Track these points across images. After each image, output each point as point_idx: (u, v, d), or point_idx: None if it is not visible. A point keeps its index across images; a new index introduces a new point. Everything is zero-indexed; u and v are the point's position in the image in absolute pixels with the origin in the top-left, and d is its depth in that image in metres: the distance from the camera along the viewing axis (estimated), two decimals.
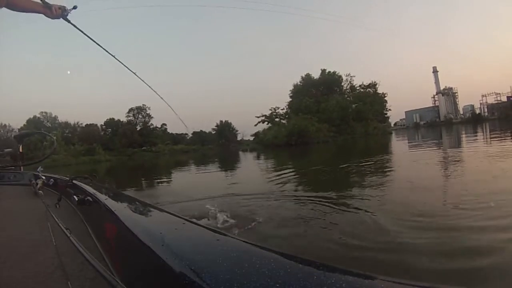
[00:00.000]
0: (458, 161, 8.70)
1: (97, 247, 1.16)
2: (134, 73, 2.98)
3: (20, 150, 2.44)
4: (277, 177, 8.66)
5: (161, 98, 3.41)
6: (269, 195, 5.83)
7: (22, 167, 3.38)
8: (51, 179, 2.85)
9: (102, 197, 1.37)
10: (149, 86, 3.09)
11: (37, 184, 2.61)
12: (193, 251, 0.63)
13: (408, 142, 21.87)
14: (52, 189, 2.70)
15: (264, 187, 7.00)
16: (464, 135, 22.26)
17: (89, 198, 1.58)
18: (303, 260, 0.53)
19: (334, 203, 4.64)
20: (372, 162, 10.10)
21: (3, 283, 1.00)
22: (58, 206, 1.94)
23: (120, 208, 1.16)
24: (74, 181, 2.12)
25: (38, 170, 3.27)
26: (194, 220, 0.85)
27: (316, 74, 57.65)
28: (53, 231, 1.32)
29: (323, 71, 57.14)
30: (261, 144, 44.43)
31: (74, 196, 1.71)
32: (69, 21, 2.06)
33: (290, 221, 4.00)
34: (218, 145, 64.78)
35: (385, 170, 8.42)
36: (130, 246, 0.80)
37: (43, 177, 2.84)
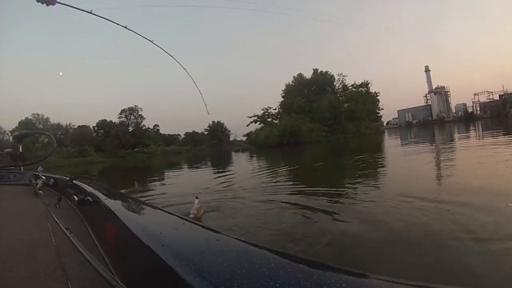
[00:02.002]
0: (450, 158, 8.86)
1: (97, 247, 1.17)
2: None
3: (20, 150, 2.44)
4: (267, 175, 8.83)
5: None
6: (257, 191, 6.11)
7: (22, 167, 3.37)
8: (51, 179, 2.84)
9: (102, 197, 1.38)
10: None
11: (37, 184, 2.62)
12: (193, 251, 0.63)
13: (401, 141, 22.04)
14: (52, 189, 2.69)
15: (254, 184, 7.25)
16: (456, 133, 22.55)
17: (89, 198, 1.58)
18: (303, 260, 0.53)
19: (324, 199, 4.75)
20: (365, 160, 10.23)
21: (3, 283, 1.01)
22: (58, 206, 1.95)
23: (120, 208, 1.16)
24: (74, 181, 2.12)
25: (38, 170, 3.27)
26: (194, 220, 0.86)
27: (308, 74, 57.60)
28: (53, 231, 1.32)
29: (315, 70, 56.90)
30: (254, 144, 44.18)
31: (74, 196, 1.72)
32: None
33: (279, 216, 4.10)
34: (211, 146, 64.53)
35: (378, 167, 8.53)
36: (130, 246, 0.81)
37: (43, 177, 2.84)
